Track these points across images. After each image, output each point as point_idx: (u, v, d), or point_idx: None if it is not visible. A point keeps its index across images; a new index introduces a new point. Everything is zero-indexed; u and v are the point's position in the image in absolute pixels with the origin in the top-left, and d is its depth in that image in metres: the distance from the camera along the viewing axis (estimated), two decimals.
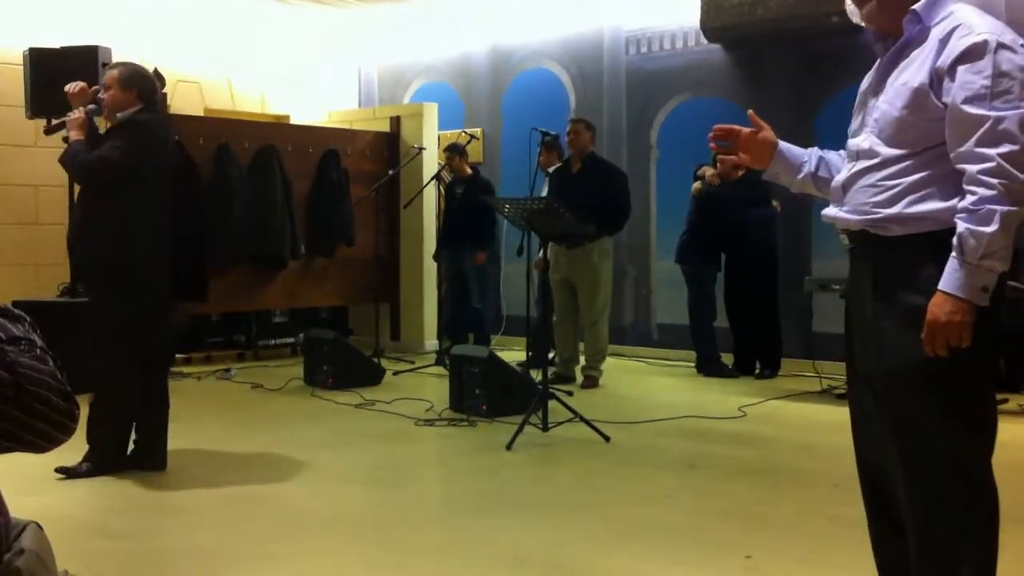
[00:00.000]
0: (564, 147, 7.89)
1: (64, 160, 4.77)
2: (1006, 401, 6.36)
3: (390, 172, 8.72)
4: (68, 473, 4.55)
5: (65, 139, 4.80)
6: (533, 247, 6.73)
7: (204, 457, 5.14)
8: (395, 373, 7.86)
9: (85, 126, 4.73)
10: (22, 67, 7.25)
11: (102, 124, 4.97)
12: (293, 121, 10.27)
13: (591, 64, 9.41)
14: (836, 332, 7.14)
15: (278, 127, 9.57)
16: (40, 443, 1.39)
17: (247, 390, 7.26)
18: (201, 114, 9.43)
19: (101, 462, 4.63)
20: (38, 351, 1.41)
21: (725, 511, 4.14)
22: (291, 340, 9.17)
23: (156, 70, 7.87)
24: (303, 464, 4.95)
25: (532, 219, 5.90)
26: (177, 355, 8.32)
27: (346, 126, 10.00)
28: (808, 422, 6.07)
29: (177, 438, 5.22)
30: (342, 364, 7.24)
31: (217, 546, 3.66)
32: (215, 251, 8.08)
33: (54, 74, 6.74)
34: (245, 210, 8.29)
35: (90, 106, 4.78)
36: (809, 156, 2.62)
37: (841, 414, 5.79)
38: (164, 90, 7.99)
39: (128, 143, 4.65)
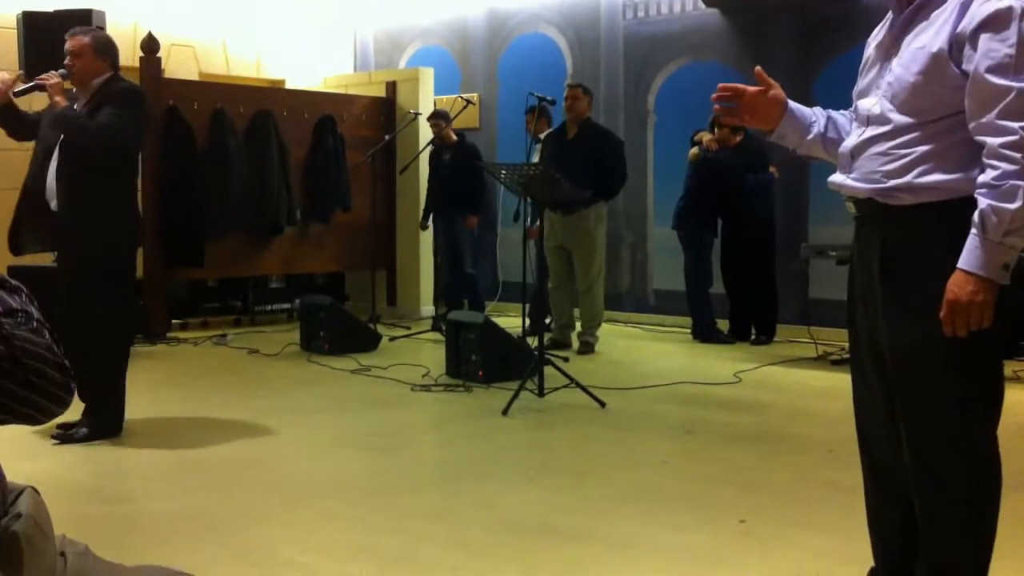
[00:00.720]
0: (551, 113, 7.86)
1: (67, 128, 4.46)
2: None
3: (386, 137, 8.67)
4: (64, 438, 4.55)
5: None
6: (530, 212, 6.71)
7: (201, 422, 5.14)
8: (391, 339, 7.87)
9: (64, 91, 4.57)
10: (15, 31, 7.19)
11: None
12: (288, 86, 10.21)
13: (588, 29, 9.33)
14: (833, 298, 7.18)
15: (273, 92, 9.50)
16: (36, 416, 1.38)
17: (243, 355, 7.26)
18: (196, 78, 9.37)
19: (98, 427, 4.62)
20: (35, 323, 1.40)
21: (721, 476, 4.16)
22: (287, 306, 9.16)
23: (150, 34, 7.86)
24: (300, 429, 4.96)
25: (528, 185, 5.88)
26: (174, 321, 8.33)
27: (342, 91, 9.93)
28: (804, 388, 6.09)
29: (173, 404, 5.23)
30: (338, 330, 7.24)
31: (214, 510, 3.67)
32: (212, 217, 8.07)
33: (48, 38, 6.68)
34: (241, 176, 8.26)
35: (60, 71, 4.60)
36: (817, 116, 2.53)
37: (836, 380, 5.79)
38: (158, 54, 7.99)
39: (131, 111, 4.51)
